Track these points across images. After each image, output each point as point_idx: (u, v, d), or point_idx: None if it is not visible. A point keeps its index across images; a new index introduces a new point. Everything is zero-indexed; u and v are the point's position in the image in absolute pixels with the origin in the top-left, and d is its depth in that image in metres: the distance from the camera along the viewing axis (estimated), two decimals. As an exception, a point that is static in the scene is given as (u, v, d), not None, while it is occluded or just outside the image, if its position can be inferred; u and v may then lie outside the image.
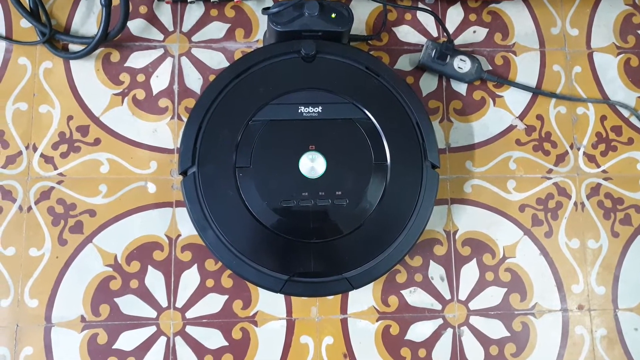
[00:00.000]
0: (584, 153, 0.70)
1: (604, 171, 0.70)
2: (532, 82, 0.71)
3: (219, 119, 0.59)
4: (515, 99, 0.70)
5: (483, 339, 0.64)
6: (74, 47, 0.67)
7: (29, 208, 0.63)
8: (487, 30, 0.72)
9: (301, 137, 0.59)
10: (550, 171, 0.69)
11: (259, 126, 0.59)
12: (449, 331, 0.64)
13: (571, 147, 0.70)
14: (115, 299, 0.62)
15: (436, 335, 0.64)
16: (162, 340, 0.62)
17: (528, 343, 0.65)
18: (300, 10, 0.60)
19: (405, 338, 0.64)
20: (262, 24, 0.70)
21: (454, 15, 0.72)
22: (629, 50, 0.73)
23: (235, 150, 0.58)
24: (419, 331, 0.64)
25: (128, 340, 0.61)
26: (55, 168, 0.64)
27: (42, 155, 0.65)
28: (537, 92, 0.70)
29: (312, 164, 0.59)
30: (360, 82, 0.62)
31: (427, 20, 0.72)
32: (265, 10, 0.60)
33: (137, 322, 0.62)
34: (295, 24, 0.60)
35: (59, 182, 0.64)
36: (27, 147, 0.65)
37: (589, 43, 0.73)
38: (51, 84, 0.66)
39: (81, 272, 0.62)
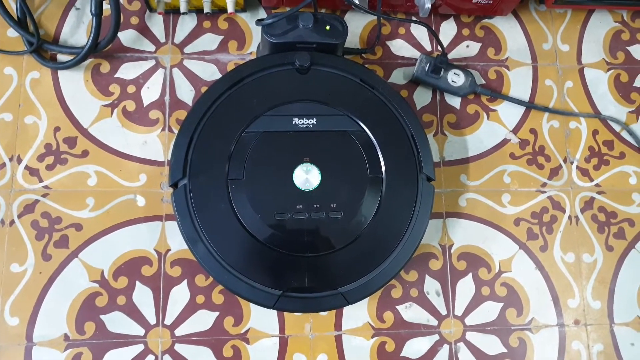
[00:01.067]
0: (577, 167, 0.70)
1: (597, 185, 0.70)
2: (525, 97, 0.71)
3: (212, 130, 0.58)
4: (508, 113, 0.70)
5: (480, 355, 0.63)
6: (62, 58, 0.66)
7: (12, 222, 0.61)
8: (480, 44, 0.72)
9: (295, 149, 0.58)
10: (544, 185, 0.69)
11: (253, 137, 0.58)
12: (445, 347, 0.63)
13: (564, 160, 0.70)
14: (101, 316, 0.60)
15: (432, 352, 0.63)
16: (150, 359, 0.59)
17: (525, 359, 0.64)
18: (295, 22, 0.60)
19: (401, 355, 0.62)
20: (255, 37, 0.69)
21: (448, 30, 0.72)
22: (618, 66, 0.74)
23: (227, 162, 0.57)
24: (415, 347, 0.63)
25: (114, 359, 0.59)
26: (41, 180, 0.62)
27: (26, 167, 0.63)
28: (530, 106, 0.70)
29: (307, 176, 0.58)
30: (355, 94, 0.61)
31: (421, 34, 0.72)
32: (259, 21, 0.60)
33: (124, 340, 0.59)
34: (290, 36, 0.60)
35: (44, 195, 0.62)
36: (10, 159, 0.63)
37: (579, 59, 0.74)
38: (38, 95, 0.65)
39: (66, 288, 0.60)
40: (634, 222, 0.69)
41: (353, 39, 0.70)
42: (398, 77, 0.70)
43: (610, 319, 0.66)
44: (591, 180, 0.70)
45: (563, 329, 0.65)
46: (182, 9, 0.65)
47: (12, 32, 0.66)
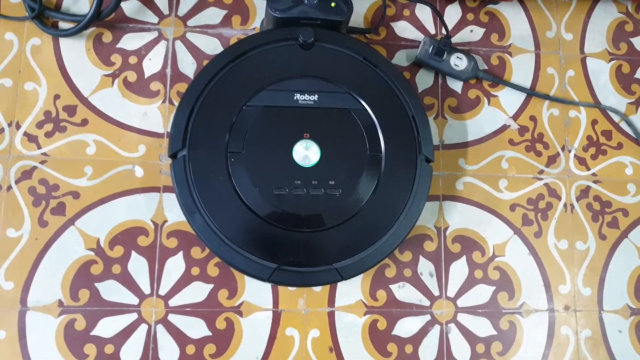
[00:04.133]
0: (575, 155, 0.70)
1: (593, 174, 0.70)
2: (527, 84, 0.71)
3: (213, 102, 0.58)
4: (509, 99, 0.70)
5: (470, 337, 0.64)
6: (64, 25, 0.65)
7: (9, 187, 0.61)
8: (484, 30, 0.72)
9: (296, 124, 0.58)
10: (541, 172, 0.69)
11: (253, 111, 0.58)
12: (437, 328, 0.64)
13: (562, 149, 0.70)
14: (96, 284, 0.60)
15: (423, 332, 0.63)
16: (143, 327, 0.60)
17: (514, 342, 0.64)
18: (300, -2, 0.59)
19: (393, 333, 0.63)
20: (259, 12, 0.69)
21: (452, 14, 0.72)
22: (620, 57, 0.74)
23: (227, 134, 0.57)
24: (407, 327, 0.63)
25: (107, 327, 0.59)
26: (39, 147, 0.62)
27: (25, 133, 0.62)
28: (531, 93, 0.70)
29: (306, 152, 0.58)
30: (358, 72, 0.61)
31: (425, 17, 0.72)
32: (264, -5, 0.60)
33: (118, 309, 0.60)
34: (294, 11, 0.60)
35: (42, 162, 0.62)
36: (9, 125, 0.62)
37: (582, 48, 0.74)
38: (38, 62, 0.64)
39: (61, 255, 0.60)
40: (628, 212, 0.69)
41: (357, 19, 0.70)
42: (401, 58, 0.70)
43: (599, 306, 0.67)
44: (588, 169, 0.70)
45: (553, 314, 0.66)
46: (187, -20, 0.65)
47: (14, -3, 0.65)
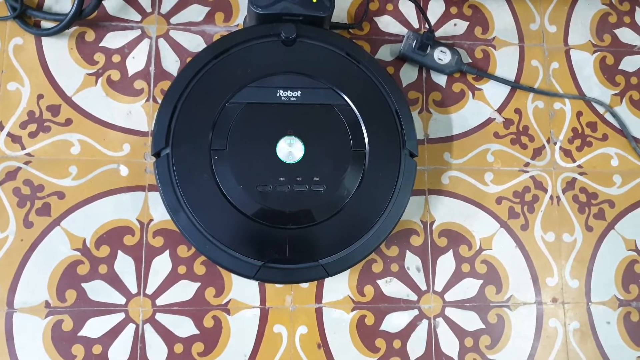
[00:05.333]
0: (560, 147, 0.70)
1: (579, 166, 0.70)
2: (511, 76, 0.71)
3: (195, 100, 0.58)
4: (494, 93, 0.71)
5: (458, 331, 0.64)
6: (46, 24, 0.65)
7: (-6, 189, 0.61)
8: (467, 23, 0.72)
9: (279, 121, 0.58)
10: (527, 164, 0.69)
11: (236, 108, 0.58)
12: (425, 322, 0.64)
13: (548, 141, 0.70)
14: (83, 284, 0.60)
15: (411, 327, 0.64)
16: (131, 327, 0.60)
17: (503, 335, 0.65)
18: (282, -6, 0.59)
19: (380, 329, 0.63)
20: (242, 9, 0.69)
21: (435, 8, 0.72)
22: (604, 49, 0.74)
23: (211, 132, 0.57)
24: (394, 322, 0.63)
25: (95, 327, 0.59)
26: (23, 148, 0.62)
27: (9, 134, 0.62)
28: (515, 86, 0.70)
29: (290, 149, 0.58)
30: (341, 68, 0.61)
31: (408, 11, 0.72)
32: (245, -9, 0.59)
33: (105, 309, 0.60)
34: (276, 7, 0.60)
35: (27, 163, 0.62)
36: (-7, 126, 0.62)
37: (566, 40, 0.74)
38: (21, 61, 0.64)
39: (47, 255, 0.60)
40: (614, 203, 0.70)
41: (340, 14, 0.70)
42: (385, 53, 0.70)
43: (587, 297, 0.67)
44: (574, 161, 0.70)
45: (541, 307, 0.66)
46: (169, -22, 0.64)
47: (-5, -2, 0.65)
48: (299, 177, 0.57)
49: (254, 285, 0.62)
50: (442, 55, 0.68)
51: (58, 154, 0.62)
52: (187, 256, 0.62)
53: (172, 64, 0.66)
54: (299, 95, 0.59)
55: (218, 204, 0.56)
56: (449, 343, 0.64)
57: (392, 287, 0.64)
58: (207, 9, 0.68)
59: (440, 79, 0.70)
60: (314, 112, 0.59)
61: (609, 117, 0.72)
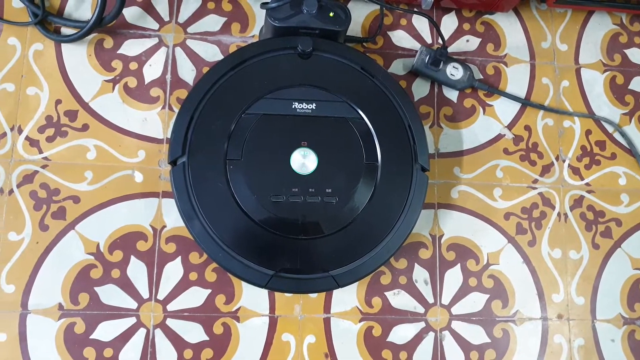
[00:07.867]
0: (569, 165, 0.71)
1: (587, 184, 0.71)
2: (522, 93, 0.72)
3: (212, 110, 0.59)
4: (504, 109, 0.71)
5: (464, 344, 0.65)
6: (66, 31, 0.66)
7: (11, 191, 0.62)
8: (480, 40, 0.73)
9: (294, 132, 0.59)
10: (535, 181, 0.70)
11: (252, 119, 0.59)
12: (431, 335, 0.65)
13: (557, 158, 0.71)
14: (96, 288, 0.61)
15: (418, 339, 0.64)
16: (142, 332, 0.60)
17: (508, 350, 0.65)
18: (299, 7, 0.60)
19: (387, 340, 0.64)
20: (258, 20, 0.70)
21: (449, 24, 0.73)
22: (614, 68, 0.75)
23: (226, 142, 0.58)
24: (401, 334, 0.64)
25: (106, 331, 0.60)
26: (40, 152, 0.63)
27: (27, 138, 0.63)
28: (526, 103, 0.71)
29: (304, 160, 0.59)
30: (355, 82, 0.62)
31: (422, 26, 0.73)
32: (264, 5, 0.60)
33: (117, 313, 0.60)
34: (293, 21, 0.61)
35: (44, 167, 0.63)
36: (12, 129, 0.63)
37: (577, 59, 0.75)
38: (41, 67, 0.65)
39: (61, 259, 0.61)
40: (621, 222, 0.70)
41: (355, 28, 0.71)
42: (397, 67, 0.71)
43: (592, 315, 0.68)
44: (582, 179, 0.71)
45: (546, 323, 0.67)
46: (188, -12, 0.65)
47: (17, 3, 0.66)
48: (311, 189, 0.58)
49: (263, 293, 0.63)
50: (454, 71, 0.69)
51: (74, 159, 0.63)
52: (198, 263, 0.63)
53: (188, 72, 0.67)
54: (314, 107, 0.60)
55: (232, 212, 0.57)
56: (454, 356, 0.64)
57: (399, 299, 0.65)
58: (224, 19, 0.69)
59: (452, 94, 0.71)
60: (328, 125, 0.60)
61: (617, 136, 0.73)
